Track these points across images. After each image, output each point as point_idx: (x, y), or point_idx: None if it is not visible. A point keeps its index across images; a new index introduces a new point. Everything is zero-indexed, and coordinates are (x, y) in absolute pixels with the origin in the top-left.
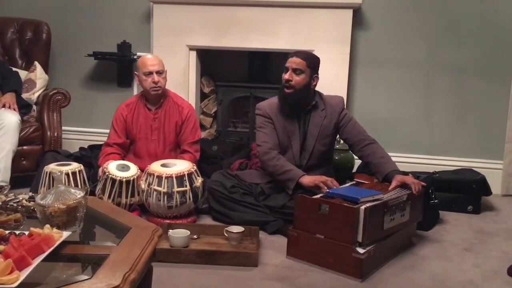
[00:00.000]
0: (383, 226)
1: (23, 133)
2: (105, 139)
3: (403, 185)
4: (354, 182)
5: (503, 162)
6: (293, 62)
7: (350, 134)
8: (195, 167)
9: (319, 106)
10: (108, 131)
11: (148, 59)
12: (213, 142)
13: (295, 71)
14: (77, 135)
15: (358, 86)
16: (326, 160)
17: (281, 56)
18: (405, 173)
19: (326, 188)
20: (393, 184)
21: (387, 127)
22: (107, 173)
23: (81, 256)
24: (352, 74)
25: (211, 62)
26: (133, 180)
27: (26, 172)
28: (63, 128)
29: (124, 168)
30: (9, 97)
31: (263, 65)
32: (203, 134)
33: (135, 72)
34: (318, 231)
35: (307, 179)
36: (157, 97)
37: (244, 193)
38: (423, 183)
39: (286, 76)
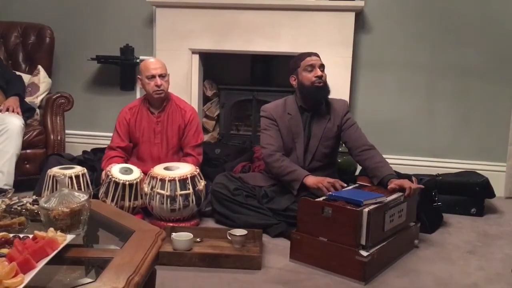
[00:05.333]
0: (384, 227)
1: (27, 136)
2: (108, 142)
3: (401, 189)
4: (356, 185)
5: (506, 164)
6: (316, 60)
7: (351, 138)
8: (198, 170)
9: (323, 108)
10: (111, 134)
11: (151, 63)
12: (216, 145)
13: (321, 67)
14: (80, 139)
15: (360, 89)
16: (329, 162)
17: (284, 59)
18: (407, 176)
19: (327, 191)
20: (391, 186)
21: (390, 129)
22: (110, 176)
23: (85, 259)
24: (355, 77)
25: (214, 65)
26: (136, 183)
27: (29, 175)
28: (66, 131)
29: (127, 171)
30: (13, 101)
31: (266, 68)
32: (205, 137)
33: (138, 76)
34: (321, 234)
35: (311, 180)
36: (160, 101)
37: (248, 195)
38: (421, 186)
39: (318, 72)
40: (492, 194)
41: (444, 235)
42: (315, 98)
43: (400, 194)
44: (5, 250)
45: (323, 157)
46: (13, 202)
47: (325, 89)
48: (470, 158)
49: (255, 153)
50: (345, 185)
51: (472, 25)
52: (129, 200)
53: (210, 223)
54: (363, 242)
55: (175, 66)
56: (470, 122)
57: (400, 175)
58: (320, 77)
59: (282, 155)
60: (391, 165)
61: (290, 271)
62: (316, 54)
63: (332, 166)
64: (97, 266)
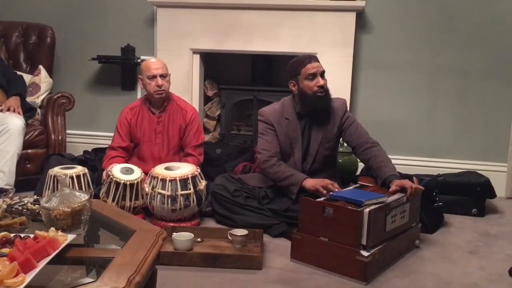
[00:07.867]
0: (386, 228)
1: (28, 136)
2: (109, 142)
3: (403, 189)
4: (357, 185)
5: (507, 164)
6: (318, 66)
7: (352, 137)
8: (198, 170)
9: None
10: (112, 134)
11: (152, 63)
12: (217, 145)
13: (322, 74)
14: (81, 139)
15: (361, 89)
16: (329, 164)
17: (284, 59)
18: (408, 176)
19: (325, 192)
20: (392, 188)
21: (390, 129)
22: (111, 176)
23: (85, 259)
24: (356, 77)
25: (215, 65)
26: (137, 183)
27: (30, 175)
28: (67, 131)
29: (128, 171)
30: (14, 101)
31: (266, 68)
32: (206, 137)
33: (139, 76)
34: (322, 234)
35: (309, 183)
36: (161, 101)
37: (248, 196)
38: (421, 187)
39: (320, 82)
40: (493, 194)
41: (445, 235)
42: (317, 107)
43: (402, 194)
44: (6, 250)
45: (324, 159)
46: (14, 201)
47: (326, 98)
48: (471, 158)
49: (256, 153)
50: (340, 188)
51: (473, 25)
52: (130, 200)
53: (211, 223)
54: (364, 242)
55: (176, 66)
56: (471, 122)
57: (401, 175)
58: (322, 86)
59: (278, 160)
60: None
61: (291, 271)
62: (316, 59)
63: (332, 167)
64: (98, 266)
